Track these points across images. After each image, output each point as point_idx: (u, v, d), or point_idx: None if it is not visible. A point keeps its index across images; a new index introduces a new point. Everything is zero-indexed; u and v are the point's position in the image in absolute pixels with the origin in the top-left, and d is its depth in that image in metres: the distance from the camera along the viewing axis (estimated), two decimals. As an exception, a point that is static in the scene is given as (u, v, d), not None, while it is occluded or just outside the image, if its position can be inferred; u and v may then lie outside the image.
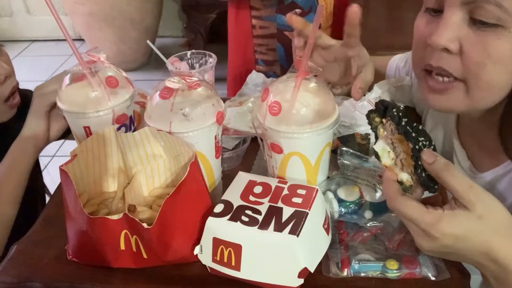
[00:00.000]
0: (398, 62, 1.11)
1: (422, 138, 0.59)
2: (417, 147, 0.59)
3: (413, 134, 0.59)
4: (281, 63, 1.39)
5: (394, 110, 0.60)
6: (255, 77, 1.19)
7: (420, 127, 0.60)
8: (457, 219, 0.57)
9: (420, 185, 0.60)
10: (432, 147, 0.59)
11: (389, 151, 0.61)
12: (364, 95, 0.98)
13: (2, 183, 0.93)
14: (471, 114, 0.79)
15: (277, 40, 1.35)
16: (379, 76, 1.02)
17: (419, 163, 0.59)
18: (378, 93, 0.99)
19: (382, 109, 0.63)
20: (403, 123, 0.60)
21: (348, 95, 0.99)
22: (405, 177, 0.60)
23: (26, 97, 1.10)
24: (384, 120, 0.62)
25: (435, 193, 0.61)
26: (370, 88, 0.96)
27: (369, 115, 0.65)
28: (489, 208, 0.58)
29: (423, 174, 0.59)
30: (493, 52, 0.66)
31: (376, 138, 0.64)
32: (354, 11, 0.77)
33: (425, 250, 0.61)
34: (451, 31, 0.67)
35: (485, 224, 0.57)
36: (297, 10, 1.31)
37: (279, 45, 1.36)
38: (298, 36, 0.86)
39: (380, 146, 0.61)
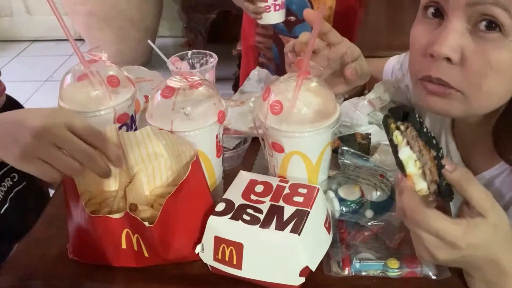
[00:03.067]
0: (394, 64, 1.11)
1: (439, 145, 0.57)
2: (439, 154, 0.57)
3: (434, 142, 0.57)
4: (275, 61, 1.49)
5: (417, 115, 0.57)
6: (258, 73, 1.19)
7: (433, 134, 0.58)
8: (480, 229, 0.57)
9: (439, 193, 0.58)
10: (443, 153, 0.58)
11: (415, 160, 0.58)
12: (365, 95, 0.98)
13: None
14: (468, 119, 0.79)
15: (272, 41, 1.46)
16: (375, 80, 1.02)
17: (441, 171, 0.57)
18: (378, 93, 0.99)
19: (402, 114, 0.59)
20: (424, 130, 0.57)
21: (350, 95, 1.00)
22: (423, 186, 0.58)
23: (16, 105, 1.11)
24: (402, 126, 0.59)
25: (450, 202, 0.60)
26: (370, 89, 0.97)
27: (385, 120, 0.61)
28: (500, 216, 0.59)
29: (444, 183, 0.57)
30: (494, 61, 0.65)
31: (393, 146, 0.60)
32: (308, 12, 0.80)
33: (438, 261, 0.60)
34: (454, 40, 0.66)
35: (499, 233, 0.58)
36: (291, 18, 1.36)
37: (274, 45, 1.46)
38: (290, 53, 0.87)
39: (405, 154, 0.57)
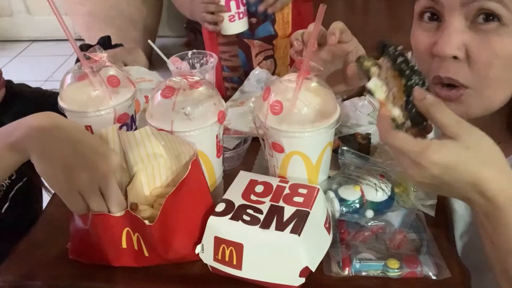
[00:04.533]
0: None
1: (416, 77, 0.61)
2: (409, 83, 0.61)
3: (407, 72, 0.61)
4: (243, 68, 1.47)
5: (391, 48, 0.63)
6: (257, 73, 1.19)
7: (416, 67, 0.62)
8: (444, 148, 0.59)
9: (410, 121, 0.62)
10: (425, 87, 0.62)
11: (381, 86, 0.63)
12: (365, 95, 0.98)
13: None
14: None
15: (238, 46, 1.43)
16: None
17: (410, 99, 0.61)
18: None
19: (381, 47, 0.64)
20: (398, 62, 0.62)
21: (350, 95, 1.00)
22: (397, 113, 0.62)
23: (20, 92, 1.11)
24: (380, 60, 0.64)
25: (424, 129, 0.63)
26: None
27: (358, 60, 0.66)
28: (477, 140, 0.59)
29: (413, 110, 0.61)
30: (498, 50, 0.66)
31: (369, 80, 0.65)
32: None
33: (415, 182, 0.63)
34: (456, 38, 0.67)
35: (474, 154, 0.58)
36: (253, 20, 1.35)
37: (240, 51, 1.44)
38: (297, 40, 0.86)
39: (372, 82, 0.63)
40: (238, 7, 1.29)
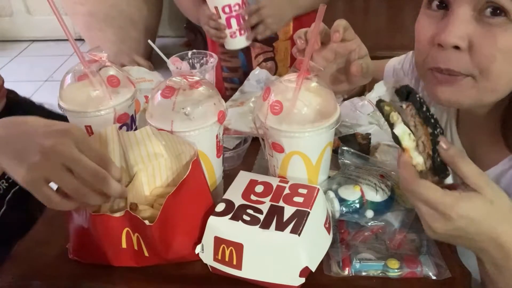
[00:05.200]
0: (395, 64, 1.11)
1: (439, 125, 0.61)
2: (435, 132, 0.61)
3: (432, 120, 0.61)
4: (243, 69, 1.47)
5: (417, 95, 0.62)
6: (257, 73, 1.19)
7: (435, 116, 0.62)
8: (473, 202, 0.59)
9: (434, 169, 0.61)
10: (444, 136, 0.62)
11: (409, 133, 0.62)
12: (365, 95, 0.98)
13: None
14: (474, 110, 0.79)
15: None
16: (375, 81, 1.02)
17: (436, 147, 0.60)
18: (378, 93, 0.99)
19: (405, 94, 0.63)
20: (424, 109, 0.61)
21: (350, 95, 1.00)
22: (420, 161, 0.61)
23: (23, 104, 1.11)
24: (404, 105, 0.63)
25: (445, 179, 0.63)
26: (370, 89, 0.97)
27: (378, 103, 0.65)
28: (498, 194, 0.60)
29: (438, 159, 0.61)
30: (501, 43, 0.66)
31: (390, 124, 0.64)
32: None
33: (437, 233, 0.61)
34: (461, 28, 0.67)
35: (496, 210, 0.59)
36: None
37: (240, 52, 1.44)
38: (299, 39, 0.86)
39: (400, 129, 0.62)
40: (238, 23, 1.29)
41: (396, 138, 0.62)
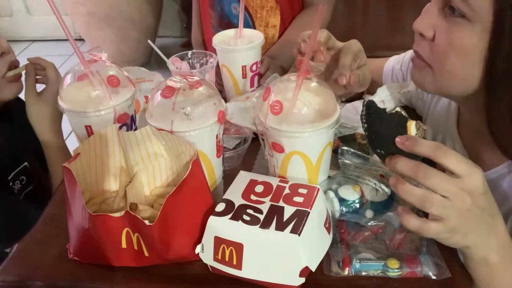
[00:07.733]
0: (394, 64, 1.11)
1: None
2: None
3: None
4: None
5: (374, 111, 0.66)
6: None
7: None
8: (476, 173, 0.60)
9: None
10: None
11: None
12: (364, 98, 0.98)
13: None
14: (472, 115, 0.79)
15: None
16: (374, 81, 1.02)
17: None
18: (381, 97, 0.98)
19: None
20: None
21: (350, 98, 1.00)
22: None
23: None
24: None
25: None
26: (372, 92, 0.97)
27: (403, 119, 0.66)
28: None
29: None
30: (455, 41, 0.70)
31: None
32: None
33: (461, 211, 0.61)
34: (427, 19, 0.74)
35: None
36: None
37: None
38: (303, 42, 0.89)
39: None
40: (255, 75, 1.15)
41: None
